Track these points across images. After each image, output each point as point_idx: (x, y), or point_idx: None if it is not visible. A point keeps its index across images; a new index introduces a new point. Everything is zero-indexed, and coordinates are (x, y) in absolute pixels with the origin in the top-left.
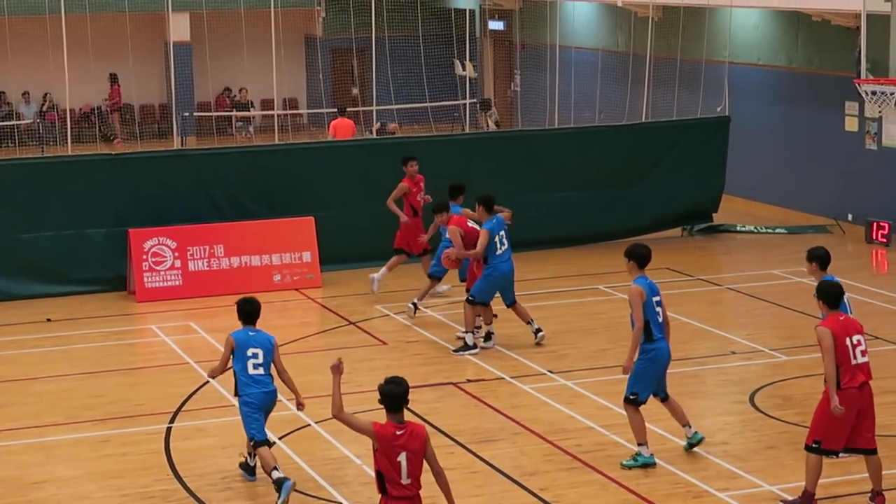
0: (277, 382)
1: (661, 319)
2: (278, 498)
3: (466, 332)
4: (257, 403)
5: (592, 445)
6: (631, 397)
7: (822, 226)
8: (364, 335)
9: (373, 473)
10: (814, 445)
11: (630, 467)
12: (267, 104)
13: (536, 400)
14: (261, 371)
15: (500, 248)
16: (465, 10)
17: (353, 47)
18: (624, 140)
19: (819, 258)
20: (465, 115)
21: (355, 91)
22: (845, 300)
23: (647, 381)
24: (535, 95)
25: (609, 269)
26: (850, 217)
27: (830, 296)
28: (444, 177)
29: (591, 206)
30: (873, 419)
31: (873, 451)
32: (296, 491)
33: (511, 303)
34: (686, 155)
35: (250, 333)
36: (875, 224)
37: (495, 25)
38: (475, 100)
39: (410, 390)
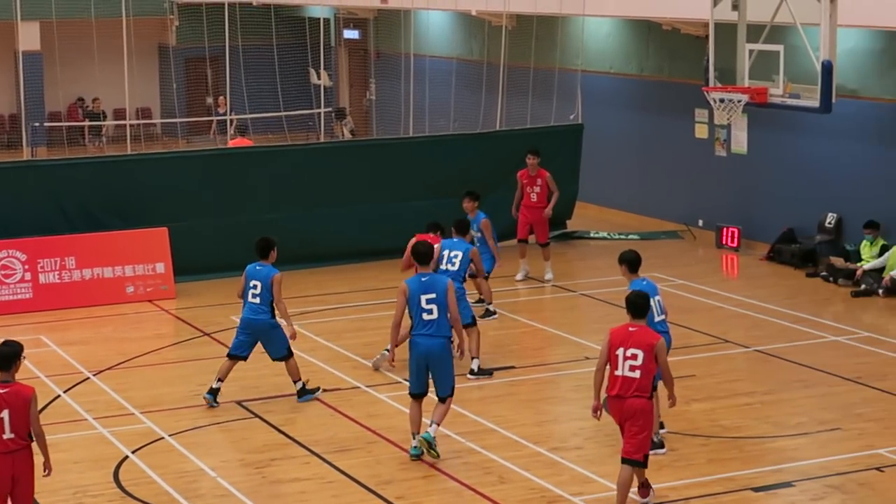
0: None
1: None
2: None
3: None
4: (242, 325)
5: (448, 453)
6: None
7: (673, 231)
8: (219, 346)
9: (228, 486)
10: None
11: None
12: (120, 114)
13: (392, 409)
14: (256, 300)
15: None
16: (319, 18)
17: (206, 56)
18: (479, 148)
19: (628, 261)
20: (320, 124)
21: (209, 100)
22: (654, 304)
23: None
24: (390, 104)
25: None
26: (700, 223)
27: (631, 305)
28: (300, 186)
29: (448, 214)
30: (634, 429)
31: (629, 462)
32: None
33: None
34: (540, 162)
35: (258, 268)
36: (725, 229)
37: (350, 34)
38: (330, 109)
39: (268, 400)
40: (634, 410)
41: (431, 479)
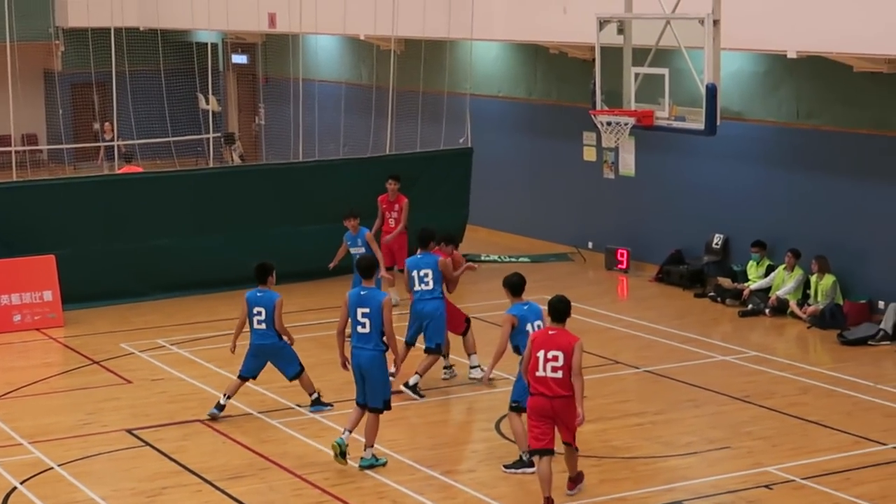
0: None
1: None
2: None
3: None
4: (252, 351)
5: (341, 478)
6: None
7: (563, 254)
8: (108, 374)
9: None
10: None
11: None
12: (5, 140)
13: (284, 434)
14: (263, 326)
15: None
16: (207, 43)
17: (93, 82)
18: (369, 172)
19: (509, 285)
20: (209, 149)
21: (97, 126)
22: (531, 329)
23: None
24: (279, 129)
25: None
26: (590, 245)
27: (552, 309)
28: (189, 212)
29: (337, 239)
30: (567, 424)
31: (569, 444)
32: None
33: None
34: (430, 186)
35: (258, 294)
36: (615, 251)
37: (239, 59)
38: (219, 134)
39: (158, 428)
40: (562, 409)
41: None
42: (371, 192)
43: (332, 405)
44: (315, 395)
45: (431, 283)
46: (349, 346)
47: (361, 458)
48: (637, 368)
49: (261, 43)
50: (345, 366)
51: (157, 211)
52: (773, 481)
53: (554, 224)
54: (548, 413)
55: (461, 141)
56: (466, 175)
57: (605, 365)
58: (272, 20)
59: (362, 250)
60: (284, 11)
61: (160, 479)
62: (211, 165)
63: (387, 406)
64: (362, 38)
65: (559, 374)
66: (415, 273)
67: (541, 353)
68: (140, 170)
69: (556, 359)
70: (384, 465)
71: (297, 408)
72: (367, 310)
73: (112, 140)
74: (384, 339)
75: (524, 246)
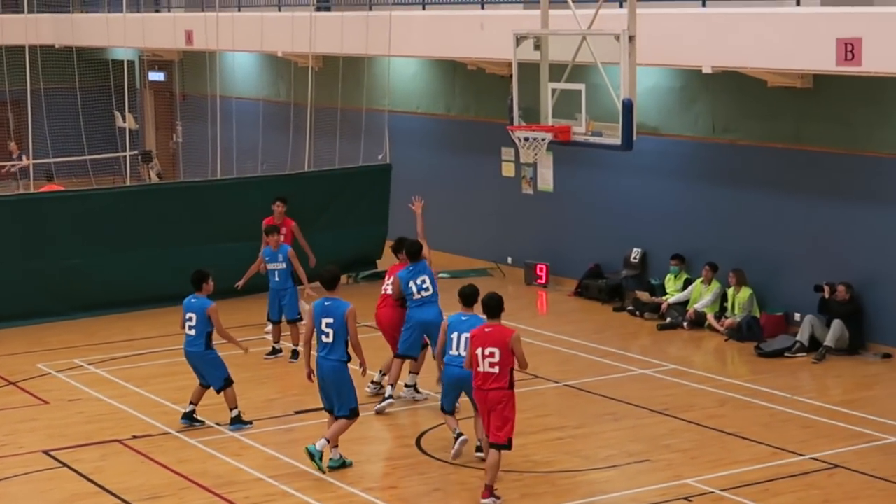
0: None
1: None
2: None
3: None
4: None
5: (262, 497)
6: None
7: (483, 269)
8: (25, 395)
9: None
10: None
11: None
12: None
13: (203, 453)
14: (192, 332)
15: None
16: (123, 61)
17: (7, 100)
18: (288, 189)
19: (461, 296)
20: (126, 167)
21: (12, 144)
22: (455, 339)
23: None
24: (197, 146)
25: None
26: (509, 260)
27: (485, 307)
28: (105, 230)
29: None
30: (498, 421)
31: (495, 445)
32: None
33: None
34: (350, 203)
35: (192, 300)
36: (534, 266)
37: (155, 76)
38: (136, 152)
39: (76, 449)
40: (497, 401)
41: None
42: (289, 208)
43: (251, 423)
44: (236, 412)
45: (431, 289)
46: (314, 358)
47: (330, 458)
48: (557, 383)
49: (178, 60)
50: (309, 377)
51: (72, 229)
52: (693, 493)
53: (473, 239)
54: (485, 406)
55: (380, 157)
56: (386, 191)
57: (525, 379)
58: (189, 37)
59: (283, 266)
60: (201, 29)
61: (78, 500)
62: (128, 183)
63: (354, 414)
64: (280, 55)
65: (495, 370)
66: (411, 283)
67: (479, 351)
68: (61, 188)
69: (492, 355)
70: (350, 465)
71: (217, 426)
72: (331, 320)
73: (19, 159)
74: (348, 349)
75: (444, 262)
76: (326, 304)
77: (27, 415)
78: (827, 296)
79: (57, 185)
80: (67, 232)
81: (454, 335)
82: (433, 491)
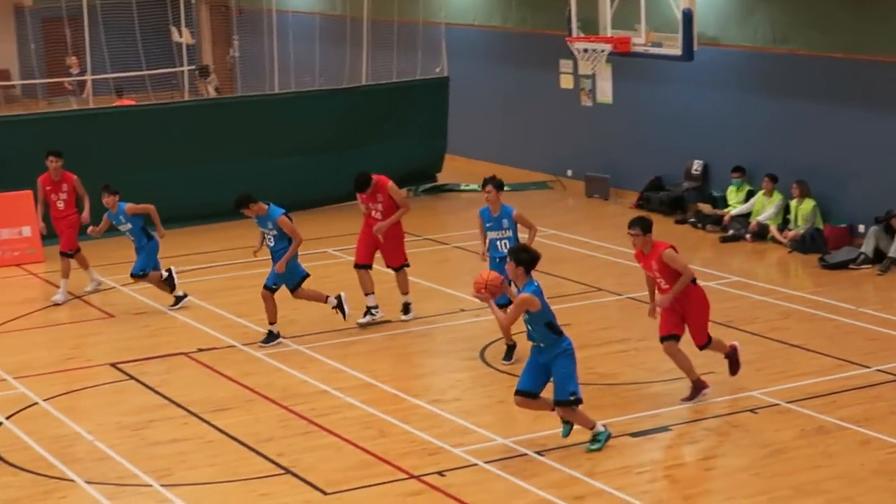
0: None
1: None
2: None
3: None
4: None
5: (327, 409)
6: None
7: (543, 182)
8: (90, 309)
9: (105, 449)
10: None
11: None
12: None
13: (269, 366)
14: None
15: None
16: None
17: (64, 16)
18: (345, 104)
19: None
20: (183, 82)
21: (71, 60)
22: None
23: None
24: (254, 61)
25: (336, 233)
26: (569, 173)
27: None
28: (168, 145)
29: (315, 171)
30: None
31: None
32: (25, 470)
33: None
34: (407, 117)
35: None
36: (594, 178)
37: None
38: (194, 67)
39: (140, 362)
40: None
41: (311, 436)
42: (347, 123)
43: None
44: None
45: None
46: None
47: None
48: (619, 295)
49: None
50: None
51: (134, 145)
52: (758, 405)
53: (532, 153)
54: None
55: (437, 70)
56: (443, 105)
57: (587, 292)
58: None
59: (129, 226)
60: None
61: (146, 412)
62: (186, 98)
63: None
64: None
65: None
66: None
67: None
68: (132, 103)
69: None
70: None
71: (282, 339)
72: None
73: (79, 75)
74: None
75: (503, 174)
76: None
77: (94, 328)
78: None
79: (127, 101)
80: (128, 147)
81: None
82: (496, 403)
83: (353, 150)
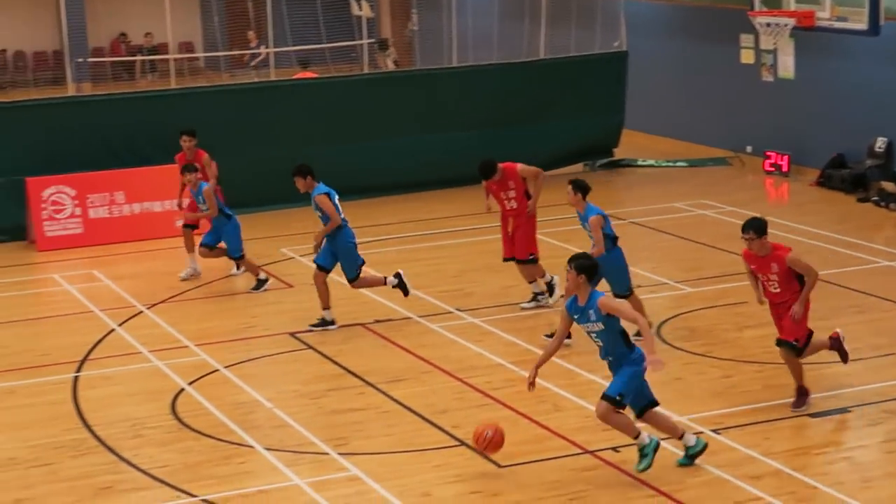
0: None
1: None
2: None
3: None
4: None
5: (502, 382)
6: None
7: (721, 158)
8: (271, 278)
9: (284, 416)
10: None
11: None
12: (162, 48)
13: (444, 338)
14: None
15: None
16: None
17: None
18: (522, 77)
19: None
20: (363, 55)
21: (250, 34)
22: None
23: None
24: (432, 34)
25: None
26: (749, 149)
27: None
28: (346, 118)
29: (493, 144)
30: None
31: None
32: (206, 435)
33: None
34: (585, 91)
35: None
36: (774, 155)
37: None
38: (373, 40)
39: (319, 332)
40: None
41: (486, 408)
42: (524, 97)
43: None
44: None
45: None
46: None
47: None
48: None
49: None
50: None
51: (312, 117)
52: None
53: (711, 128)
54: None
55: (616, 45)
56: (622, 79)
57: None
58: None
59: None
60: None
61: (323, 381)
62: (366, 71)
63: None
64: None
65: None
66: None
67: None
68: (315, 75)
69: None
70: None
71: (457, 312)
72: None
73: (257, 48)
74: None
75: (681, 150)
76: None
77: (273, 297)
78: None
79: (311, 73)
80: (307, 119)
81: None
82: (673, 380)
83: (531, 124)
